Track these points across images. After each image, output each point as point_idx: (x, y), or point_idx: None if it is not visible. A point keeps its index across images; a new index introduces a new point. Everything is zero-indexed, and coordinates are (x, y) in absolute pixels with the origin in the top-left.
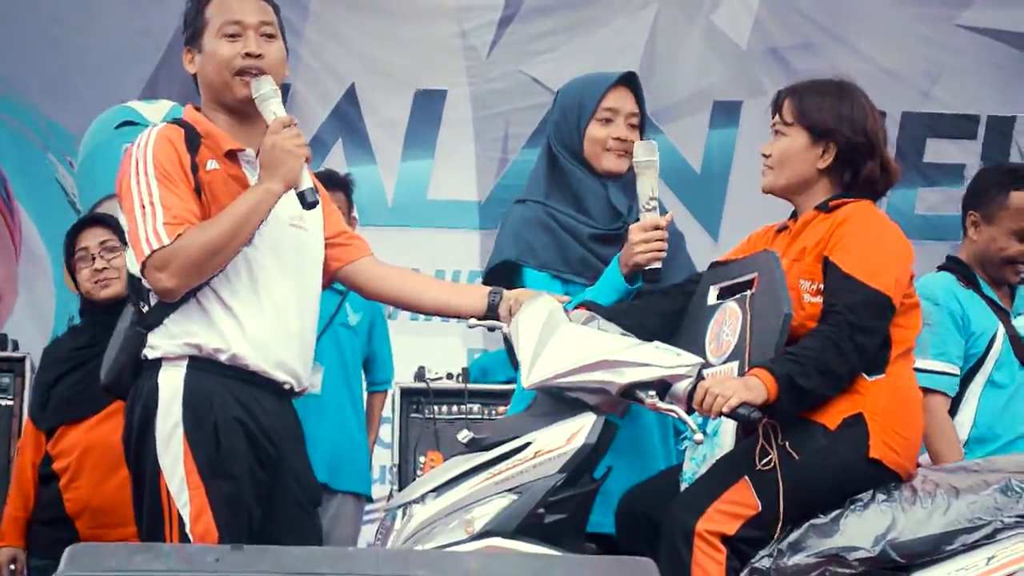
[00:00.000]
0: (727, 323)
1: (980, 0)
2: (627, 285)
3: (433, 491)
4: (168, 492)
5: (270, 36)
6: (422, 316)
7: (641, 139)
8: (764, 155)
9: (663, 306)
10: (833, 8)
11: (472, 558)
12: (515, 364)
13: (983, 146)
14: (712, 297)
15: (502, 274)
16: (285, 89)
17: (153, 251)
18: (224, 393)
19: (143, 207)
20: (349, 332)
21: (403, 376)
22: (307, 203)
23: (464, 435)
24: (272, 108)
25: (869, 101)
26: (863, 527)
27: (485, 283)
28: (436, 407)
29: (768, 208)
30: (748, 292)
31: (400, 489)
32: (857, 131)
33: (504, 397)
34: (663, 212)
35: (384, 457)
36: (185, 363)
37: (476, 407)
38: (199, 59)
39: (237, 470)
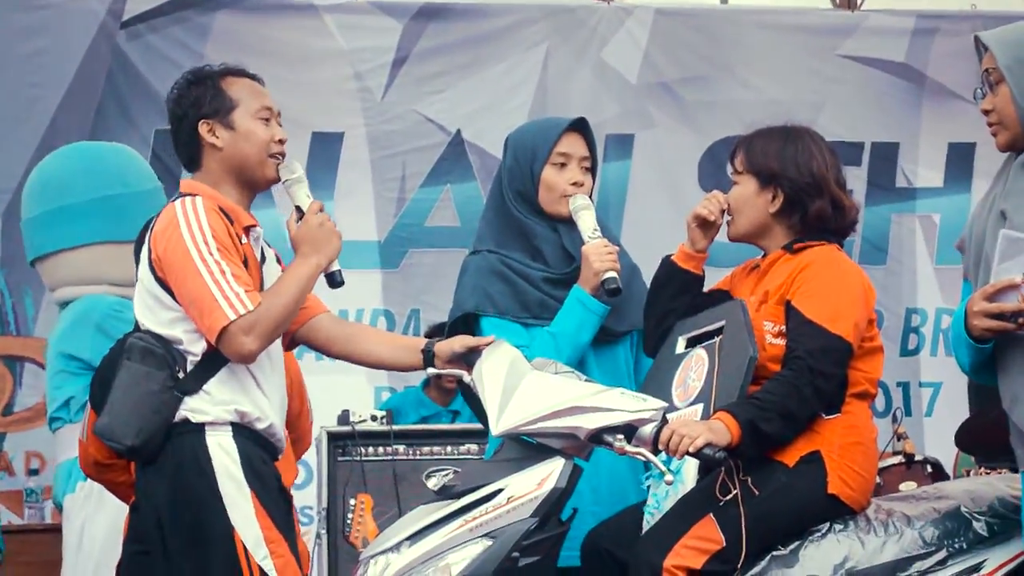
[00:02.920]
0: (693, 369)
1: (860, 30)
2: (598, 303)
3: (408, 539)
4: (245, 549)
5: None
6: None
7: (593, 181)
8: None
9: None
10: (719, 42)
11: None
12: (476, 412)
13: (868, 172)
14: (680, 346)
15: (463, 326)
16: None
17: (239, 315)
18: (268, 457)
19: (213, 274)
20: None
21: (325, 419)
22: (336, 283)
23: (434, 483)
24: (305, 191)
25: (820, 143)
26: (822, 557)
27: (447, 335)
28: (362, 449)
29: (664, 238)
30: (716, 339)
31: (328, 531)
32: (803, 172)
33: (428, 438)
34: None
35: (303, 498)
36: (229, 428)
37: (401, 448)
38: (227, 135)
39: (294, 526)
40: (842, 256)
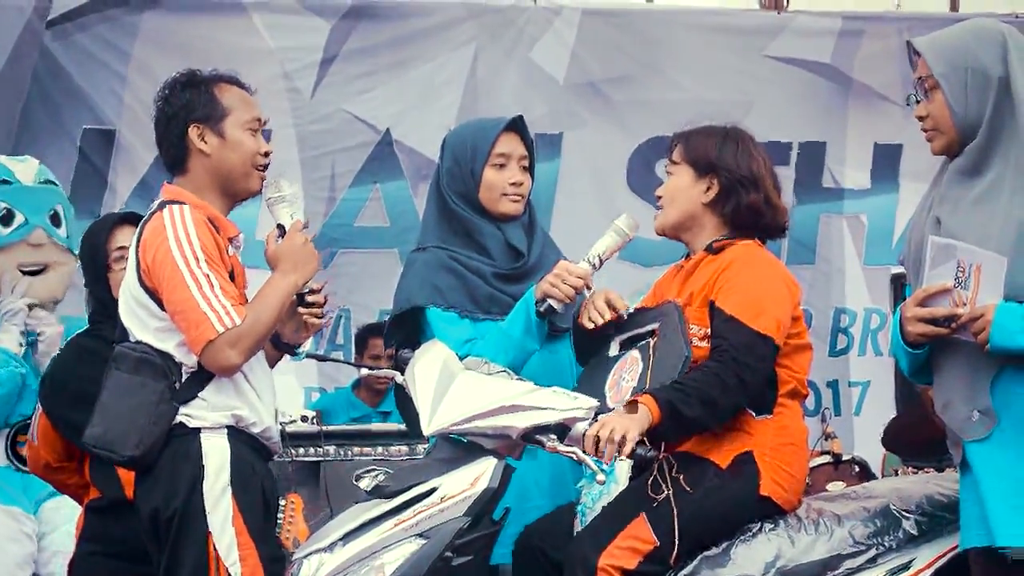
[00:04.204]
0: (628, 370)
1: (786, 31)
2: (534, 313)
3: (341, 539)
4: (216, 551)
5: None
6: None
7: (532, 179)
8: (657, 196)
9: None
10: (647, 42)
11: None
12: (404, 415)
13: (796, 171)
14: (614, 349)
15: (408, 320)
16: (111, 135)
17: (227, 329)
18: (259, 463)
19: (201, 287)
20: None
21: None
22: (305, 303)
23: (366, 483)
24: (288, 211)
25: (758, 147)
26: (753, 556)
27: (389, 330)
28: (292, 450)
29: (592, 238)
30: (650, 340)
31: None
32: (740, 166)
33: (358, 438)
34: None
35: None
36: (225, 431)
37: (332, 448)
38: (216, 142)
39: (271, 535)
40: (763, 252)
